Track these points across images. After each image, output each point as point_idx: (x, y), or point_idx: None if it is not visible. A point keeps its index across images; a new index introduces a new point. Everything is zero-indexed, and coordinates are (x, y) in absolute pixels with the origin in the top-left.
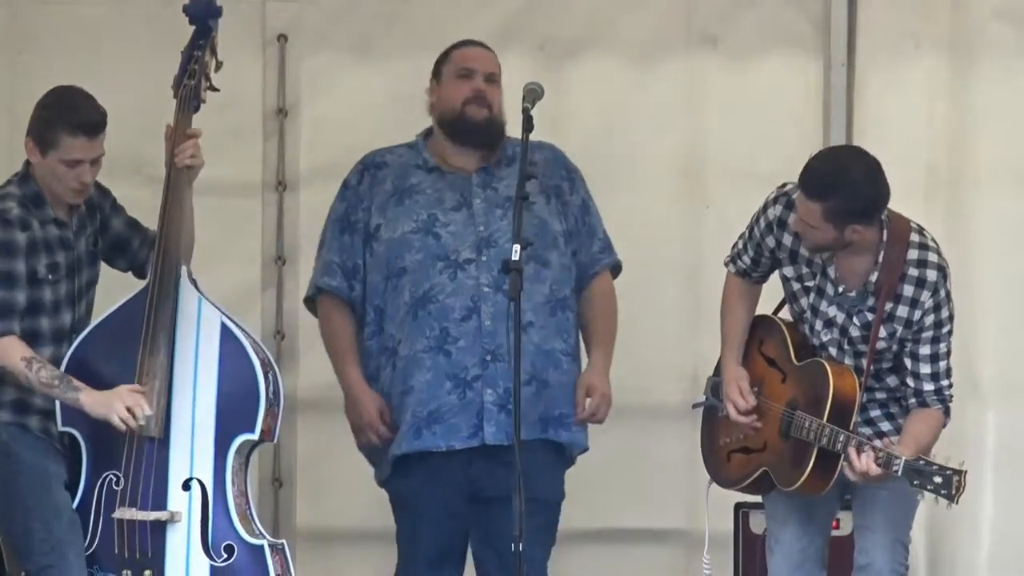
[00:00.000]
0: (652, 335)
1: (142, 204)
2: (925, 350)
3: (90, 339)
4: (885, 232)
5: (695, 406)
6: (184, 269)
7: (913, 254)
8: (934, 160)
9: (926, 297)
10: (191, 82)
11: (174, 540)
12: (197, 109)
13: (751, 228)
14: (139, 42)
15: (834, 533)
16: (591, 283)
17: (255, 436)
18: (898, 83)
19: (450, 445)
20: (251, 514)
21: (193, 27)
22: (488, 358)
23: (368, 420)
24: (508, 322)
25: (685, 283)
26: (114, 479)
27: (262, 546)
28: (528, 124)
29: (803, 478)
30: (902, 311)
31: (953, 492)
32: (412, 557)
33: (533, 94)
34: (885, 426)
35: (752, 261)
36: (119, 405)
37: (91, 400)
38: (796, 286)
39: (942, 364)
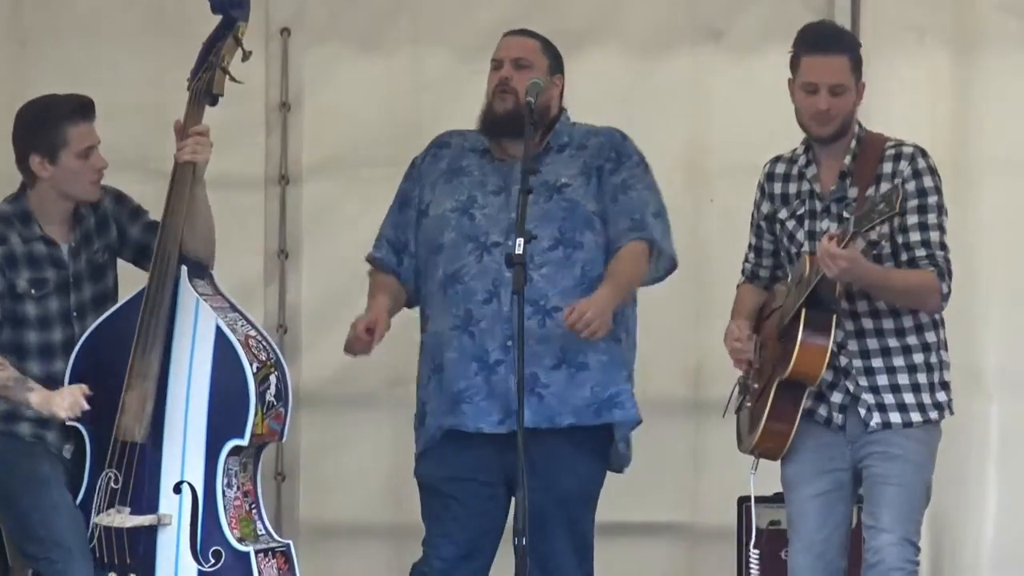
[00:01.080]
0: (655, 329)
1: (144, 199)
2: (912, 219)
3: (91, 338)
4: (857, 127)
5: (725, 414)
6: (184, 269)
7: (890, 143)
8: (938, 153)
9: (904, 166)
10: (206, 75)
11: (164, 544)
12: (214, 103)
13: (751, 220)
14: (142, 34)
15: None
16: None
17: (244, 442)
18: (902, 76)
19: (478, 427)
20: (258, 514)
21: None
22: (509, 343)
23: (355, 331)
24: (528, 308)
25: (688, 276)
26: (113, 477)
27: (248, 553)
28: (531, 118)
29: (797, 344)
30: (885, 187)
31: (895, 202)
32: (435, 544)
33: (535, 88)
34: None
35: (756, 253)
36: (58, 399)
37: (38, 399)
38: (792, 224)
39: (932, 234)
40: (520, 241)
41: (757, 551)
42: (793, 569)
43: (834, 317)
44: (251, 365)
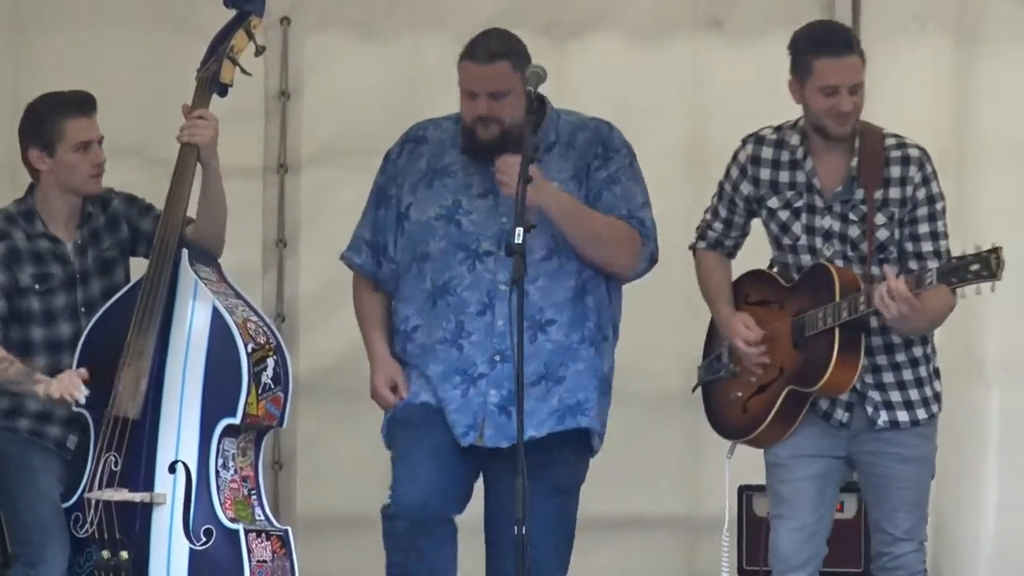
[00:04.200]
0: (654, 318)
1: (142, 186)
2: (924, 228)
3: (96, 327)
4: (857, 124)
5: (695, 389)
6: (185, 252)
7: (891, 141)
8: (939, 140)
9: (914, 172)
10: (214, 65)
11: (158, 522)
12: (223, 93)
13: (719, 191)
14: (141, 22)
15: (838, 516)
16: None
17: (236, 420)
18: (903, 64)
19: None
20: (257, 501)
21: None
22: (497, 358)
23: (373, 390)
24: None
25: (688, 266)
26: (113, 459)
27: (238, 531)
28: (531, 106)
29: (832, 362)
30: (894, 192)
31: (995, 269)
32: (410, 482)
33: (536, 77)
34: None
35: (725, 224)
36: (55, 384)
37: (42, 388)
38: (785, 214)
39: (943, 243)
40: (519, 230)
41: (728, 535)
42: (781, 550)
43: (863, 336)
44: (246, 345)
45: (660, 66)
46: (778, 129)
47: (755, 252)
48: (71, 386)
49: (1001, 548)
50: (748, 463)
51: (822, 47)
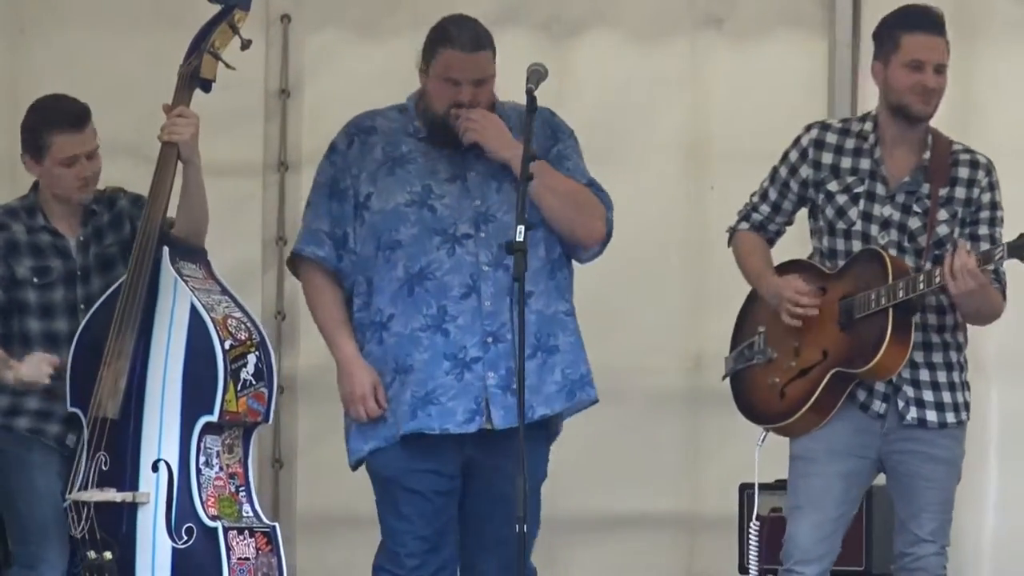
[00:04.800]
0: (654, 316)
1: (142, 185)
2: (984, 230)
3: (88, 325)
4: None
5: (725, 378)
6: (165, 250)
7: (958, 146)
8: None
9: (982, 176)
10: (195, 60)
11: (143, 521)
12: (206, 88)
13: (773, 175)
14: (140, 21)
15: None
16: None
17: (214, 417)
18: None
19: (444, 428)
20: (246, 498)
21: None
22: (489, 340)
23: (361, 393)
24: (507, 299)
25: (688, 263)
26: (104, 459)
27: (216, 528)
28: (532, 105)
29: (886, 341)
30: (960, 192)
31: None
32: (403, 542)
33: (537, 75)
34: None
35: (773, 208)
36: (24, 368)
37: (12, 375)
38: (843, 199)
39: (998, 251)
40: (521, 228)
41: (757, 524)
42: (800, 540)
43: (914, 319)
44: (223, 342)
45: (660, 64)
46: (844, 120)
47: (785, 247)
48: (41, 365)
49: (1001, 547)
50: (747, 462)
51: (912, 23)
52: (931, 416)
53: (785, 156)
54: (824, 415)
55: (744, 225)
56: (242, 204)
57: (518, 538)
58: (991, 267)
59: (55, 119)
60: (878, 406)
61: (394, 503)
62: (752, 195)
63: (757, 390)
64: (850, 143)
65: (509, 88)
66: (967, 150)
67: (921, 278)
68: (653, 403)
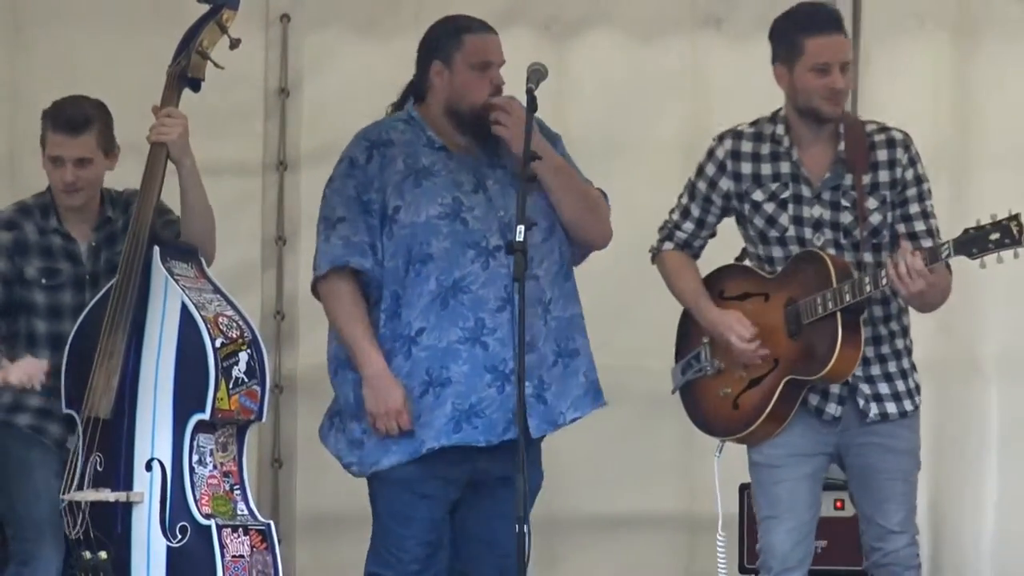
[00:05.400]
0: (651, 317)
1: (136, 185)
2: (915, 208)
3: (81, 327)
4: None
5: (674, 391)
6: (156, 250)
7: (872, 127)
8: (939, 139)
9: (900, 154)
10: (184, 60)
11: (138, 521)
12: (195, 88)
13: (691, 190)
14: (141, 20)
15: (838, 513)
16: None
17: (206, 415)
18: (903, 62)
19: (489, 441)
20: (241, 496)
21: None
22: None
23: (396, 408)
24: (537, 308)
25: None
26: (99, 460)
27: (210, 527)
28: (532, 105)
29: (838, 347)
30: (883, 176)
31: (1017, 236)
32: (406, 547)
33: (537, 75)
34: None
35: (697, 224)
36: (14, 372)
37: (1, 376)
38: (771, 207)
39: (933, 222)
40: (521, 228)
41: (724, 535)
42: (778, 550)
43: (862, 319)
44: (213, 340)
45: (659, 64)
46: (754, 123)
47: (717, 253)
48: (30, 371)
49: (1001, 546)
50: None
51: (812, 26)
52: (891, 408)
53: (701, 170)
54: (780, 423)
55: (668, 245)
56: (241, 203)
57: (518, 538)
58: (938, 264)
59: (53, 119)
60: (833, 409)
61: (401, 508)
62: (671, 212)
63: (708, 401)
64: (766, 148)
65: (510, 87)
66: (882, 129)
67: (867, 280)
68: (653, 403)
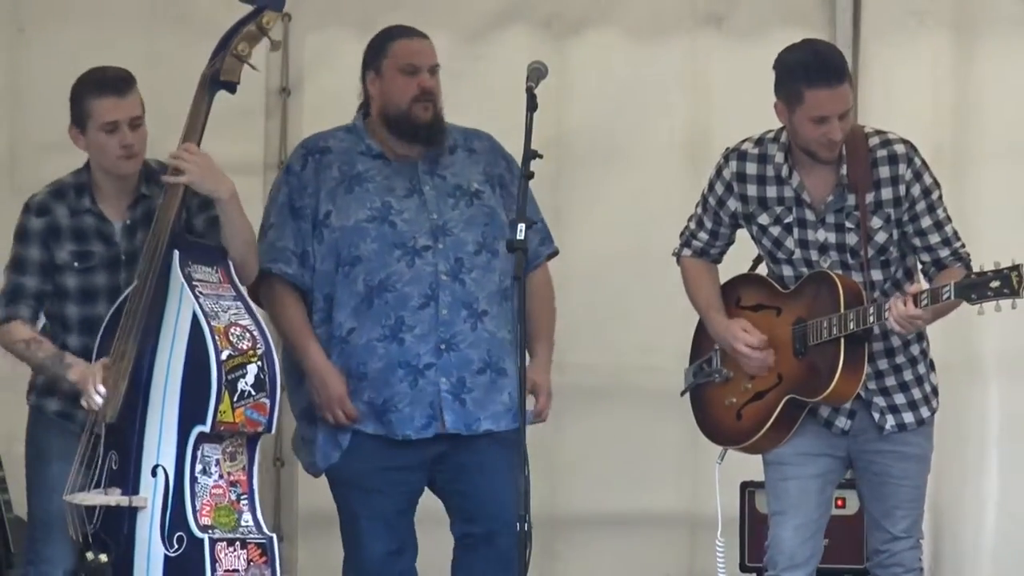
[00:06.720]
0: (654, 315)
1: None
2: (927, 221)
3: (113, 317)
4: None
5: (684, 393)
6: (176, 254)
7: (874, 140)
8: (940, 136)
9: (903, 169)
10: (218, 64)
11: (141, 526)
12: (231, 90)
13: (703, 202)
14: (141, 20)
15: (839, 512)
16: (533, 274)
17: (206, 428)
18: (903, 60)
19: (406, 435)
20: (248, 506)
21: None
22: (443, 347)
23: (339, 395)
24: (463, 311)
25: None
26: (114, 458)
27: (203, 540)
28: (532, 103)
29: (838, 373)
30: (886, 193)
31: (1016, 287)
32: (369, 547)
33: (537, 73)
34: (899, 398)
35: (711, 235)
36: (80, 380)
37: (76, 375)
38: (776, 230)
39: (947, 229)
40: (521, 227)
41: (723, 540)
42: (785, 546)
43: (867, 345)
44: (219, 352)
45: (660, 63)
46: (759, 143)
47: (740, 256)
48: (91, 388)
49: (1001, 546)
50: (749, 460)
51: (814, 77)
52: (908, 418)
53: (712, 187)
54: (784, 435)
55: (687, 251)
56: (242, 202)
57: (519, 537)
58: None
59: (95, 85)
60: (842, 423)
61: (355, 503)
62: (689, 220)
63: (714, 409)
64: (770, 171)
65: (510, 87)
66: (884, 143)
67: (871, 311)
68: (654, 403)
